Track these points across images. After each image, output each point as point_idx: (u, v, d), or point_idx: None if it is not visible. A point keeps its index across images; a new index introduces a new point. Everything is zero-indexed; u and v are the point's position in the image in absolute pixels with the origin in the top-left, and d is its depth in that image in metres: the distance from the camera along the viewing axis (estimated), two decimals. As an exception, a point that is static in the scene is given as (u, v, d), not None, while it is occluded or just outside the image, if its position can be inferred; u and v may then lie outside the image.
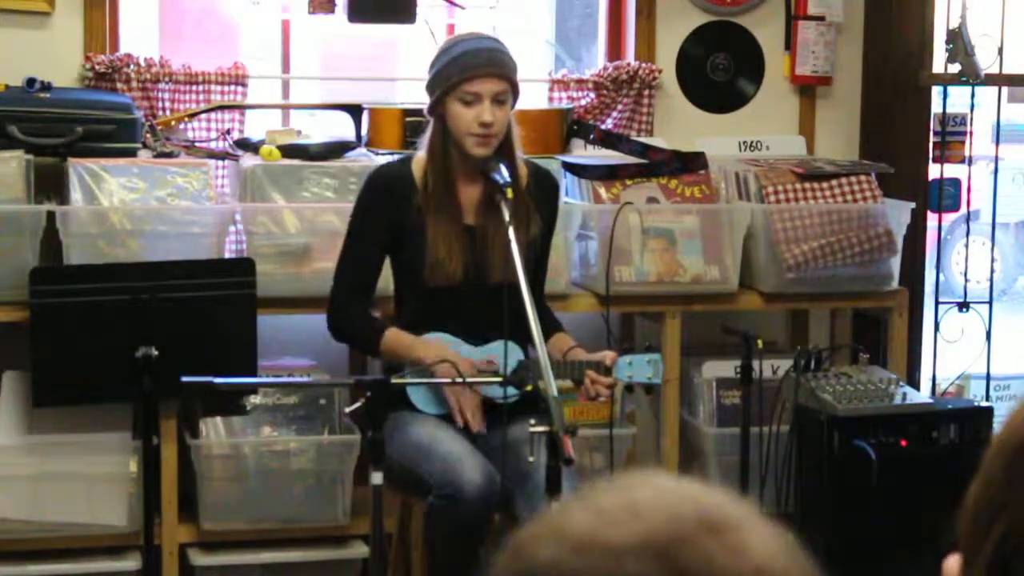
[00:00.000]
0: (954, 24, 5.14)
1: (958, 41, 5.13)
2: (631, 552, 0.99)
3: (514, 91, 3.92)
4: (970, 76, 5.13)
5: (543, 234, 4.05)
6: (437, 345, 3.92)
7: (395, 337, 3.95)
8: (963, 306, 5.34)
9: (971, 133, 5.38)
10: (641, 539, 0.99)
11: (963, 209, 5.46)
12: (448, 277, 3.90)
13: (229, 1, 5.14)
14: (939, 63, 5.27)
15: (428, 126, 3.98)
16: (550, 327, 3.98)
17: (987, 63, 5.18)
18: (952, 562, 1.54)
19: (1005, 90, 5.53)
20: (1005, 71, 5.28)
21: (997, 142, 5.53)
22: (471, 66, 3.85)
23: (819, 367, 4.59)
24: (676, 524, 1.00)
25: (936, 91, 5.33)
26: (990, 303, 5.36)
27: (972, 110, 5.36)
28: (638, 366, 3.87)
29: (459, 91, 3.85)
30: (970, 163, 5.39)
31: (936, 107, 5.33)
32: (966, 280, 5.48)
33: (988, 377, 5.36)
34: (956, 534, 1.35)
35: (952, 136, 5.30)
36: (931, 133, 5.28)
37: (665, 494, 1.03)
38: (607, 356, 3.87)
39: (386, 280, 4.07)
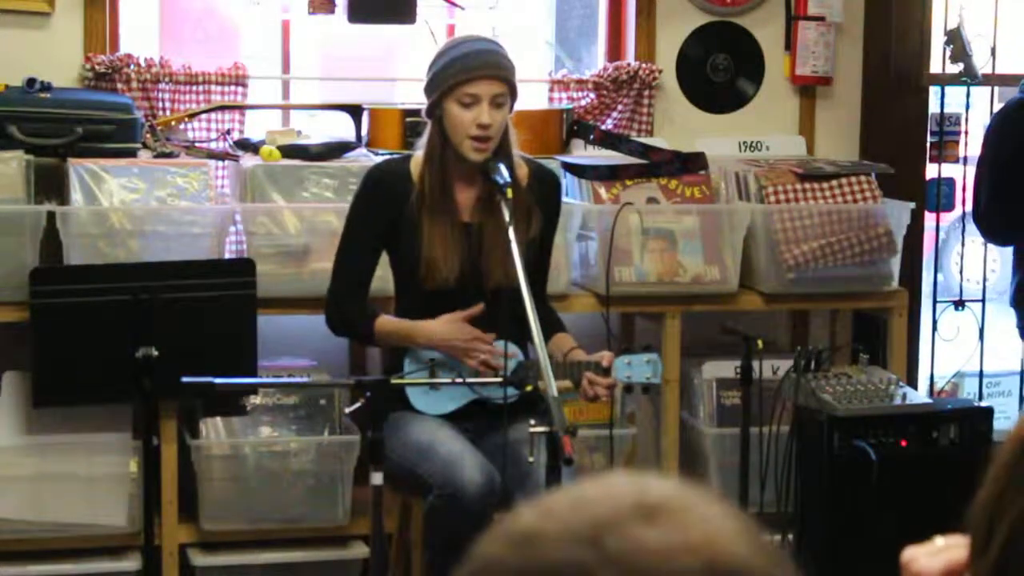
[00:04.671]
0: (953, 24, 5.17)
1: (957, 41, 5.16)
2: (560, 541, 1.00)
3: (512, 93, 3.91)
4: (969, 76, 5.15)
5: (545, 233, 4.04)
6: (435, 327, 3.89)
7: (390, 323, 3.95)
8: (959, 304, 5.37)
9: (967, 132, 5.41)
10: (572, 528, 1.01)
11: (957, 208, 5.47)
12: (443, 280, 3.89)
13: (229, 1, 5.14)
14: (936, 63, 5.29)
15: (426, 128, 3.98)
16: (551, 327, 3.97)
17: (981, 63, 5.21)
18: (909, 553, 1.55)
19: (998, 90, 5.53)
20: (997, 71, 5.31)
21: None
22: (470, 68, 3.85)
23: (819, 367, 4.59)
24: (609, 512, 1.02)
25: (933, 92, 5.35)
26: (983, 301, 5.39)
27: (968, 110, 5.39)
28: (637, 366, 3.87)
29: (458, 93, 3.85)
30: (965, 163, 5.41)
31: (933, 108, 5.35)
32: (961, 278, 5.49)
33: (981, 375, 5.38)
34: (966, 530, 1.35)
35: (948, 136, 5.34)
36: (928, 133, 5.31)
37: (610, 487, 1.05)
38: (604, 356, 3.86)
39: (386, 280, 4.07)
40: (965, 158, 5.43)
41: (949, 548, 1.49)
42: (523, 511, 1.06)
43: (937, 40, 5.28)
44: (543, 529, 1.02)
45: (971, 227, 5.10)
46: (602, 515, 1.02)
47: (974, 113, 5.44)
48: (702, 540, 1.00)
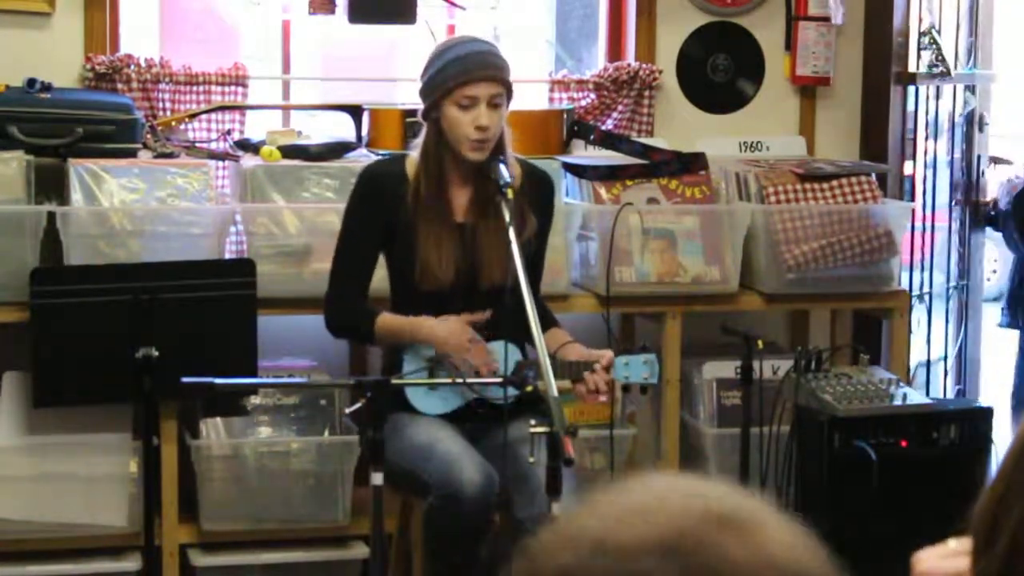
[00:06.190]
0: (929, 22, 5.28)
1: (932, 39, 5.24)
2: (646, 551, 1.00)
3: (508, 93, 3.92)
4: (945, 73, 5.26)
5: (538, 234, 4.04)
6: (436, 324, 3.89)
7: (391, 320, 3.95)
8: (920, 298, 5.51)
9: (927, 126, 5.54)
10: (654, 538, 1.01)
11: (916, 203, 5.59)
12: (439, 281, 3.89)
13: (229, 1, 5.14)
14: (915, 62, 5.38)
15: (422, 129, 3.98)
16: (546, 323, 3.97)
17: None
18: (920, 554, 1.55)
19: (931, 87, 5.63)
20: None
21: (936, 138, 5.62)
22: (467, 70, 3.84)
23: (819, 367, 4.59)
24: (688, 521, 1.02)
25: (910, 90, 5.45)
26: (930, 295, 5.55)
27: (933, 101, 5.52)
28: (634, 366, 3.86)
29: (455, 95, 3.84)
30: (926, 158, 5.54)
31: (910, 106, 5.45)
32: (921, 271, 5.59)
33: (928, 364, 5.54)
34: (969, 526, 1.36)
35: (912, 134, 5.49)
36: (905, 131, 5.39)
37: (672, 493, 1.05)
38: (604, 356, 3.86)
39: (382, 280, 4.06)
40: (925, 152, 5.56)
41: (960, 554, 1.50)
42: (583, 516, 1.04)
43: (914, 39, 5.37)
44: (618, 537, 1.01)
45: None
46: (677, 526, 1.01)
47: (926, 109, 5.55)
48: (783, 555, 1.01)
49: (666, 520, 1.02)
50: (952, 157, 5.71)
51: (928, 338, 5.57)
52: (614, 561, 1.00)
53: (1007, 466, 1.34)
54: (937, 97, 5.55)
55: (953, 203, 5.71)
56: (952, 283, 5.71)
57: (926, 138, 5.53)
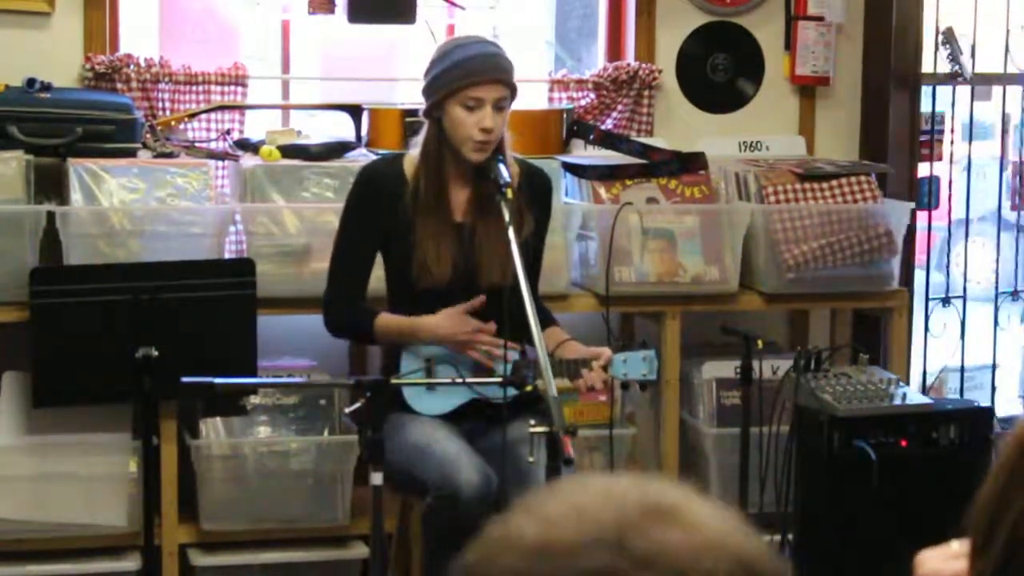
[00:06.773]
0: (948, 24, 5.24)
1: (951, 41, 5.21)
2: (586, 549, 1.01)
3: (513, 95, 3.92)
4: (962, 76, 5.23)
5: (536, 233, 4.04)
6: (438, 322, 3.89)
7: (390, 320, 3.94)
8: (946, 301, 5.46)
9: (953, 131, 5.50)
10: (592, 535, 1.01)
11: (943, 207, 5.55)
12: (435, 278, 3.89)
13: (229, 1, 5.14)
14: (928, 63, 5.34)
15: (423, 127, 3.97)
16: (544, 322, 3.97)
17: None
18: (923, 555, 1.55)
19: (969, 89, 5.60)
20: (977, 70, 5.41)
21: (970, 140, 5.59)
22: (475, 71, 3.84)
23: (819, 367, 4.59)
24: (622, 515, 1.03)
25: (924, 91, 5.41)
26: (964, 298, 5.49)
27: (954, 107, 5.48)
28: (633, 363, 3.86)
29: (461, 96, 3.84)
30: (951, 161, 5.48)
31: (924, 107, 5.42)
32: (947, 275, 5.55)
33: (962, 369, 5.48)
34: (966, 525, 1.36)
35: (937, 135, 5.42)
36: (916, 132, 5.37)
37: (603, 491, 1.06)
38: (602, 354, 3.86)
39: (379, 279, 4.06)
40: (951, 156, 5.51)
41: (963, 556, 1.50)
42: (518, 521, 1.05)
43: (928, 40, 5.33)
44: (557, 538, 1.02)
45: (978, 226, 5.20)
46: (614, 520, 1.02)
47: (958, 111, 5.52)
48: (718, 538, 1.02)
49: (600, 515, 1.03)
50: (1003, 160, 5.66)
51: (962, 342, 5.49)
52: (555, 561, 1.01)
53: (1008, 458, 1.34)
54: (972, 99, 5.51)
55: (1009, 207, 5.66)
56: (1005, 288, 5.62)
57: (951, 141, 5.47)
